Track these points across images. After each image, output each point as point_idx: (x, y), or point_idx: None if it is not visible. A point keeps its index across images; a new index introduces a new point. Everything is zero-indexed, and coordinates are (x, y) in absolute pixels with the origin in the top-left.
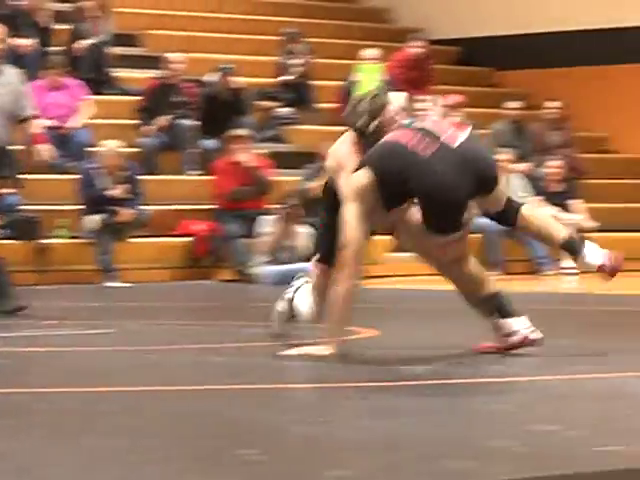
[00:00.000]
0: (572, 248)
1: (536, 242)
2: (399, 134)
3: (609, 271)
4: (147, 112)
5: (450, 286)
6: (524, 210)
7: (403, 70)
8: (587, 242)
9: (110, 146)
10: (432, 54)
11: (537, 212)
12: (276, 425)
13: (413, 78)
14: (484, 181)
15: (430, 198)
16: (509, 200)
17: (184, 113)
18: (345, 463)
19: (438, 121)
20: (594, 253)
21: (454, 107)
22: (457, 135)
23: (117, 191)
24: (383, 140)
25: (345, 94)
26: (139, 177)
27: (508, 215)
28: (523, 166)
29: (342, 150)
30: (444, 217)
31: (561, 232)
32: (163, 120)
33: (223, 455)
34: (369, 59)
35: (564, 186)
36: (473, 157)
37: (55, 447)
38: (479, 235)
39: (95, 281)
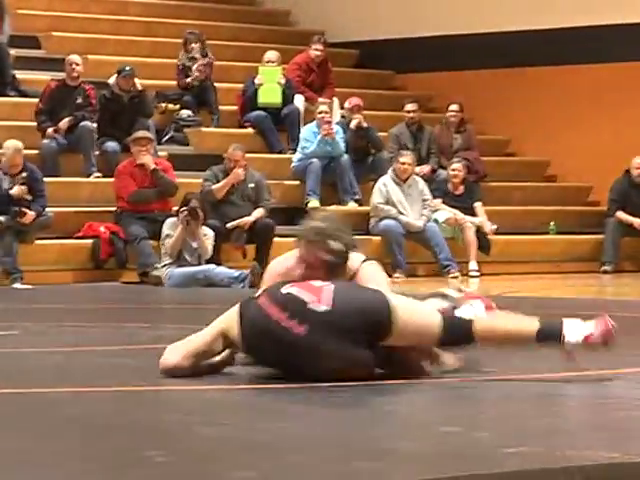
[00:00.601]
0: (549, 335)
1: (441, 244)
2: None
3: (601, 340)
4: (45, 114)
5: None
6: (478, 324)
7: (302, 73)
8: (565, 320)
9: (9, 145)
10: (332, 57)
11: (495, 318)
12: (181, 426)
13: (312, 81)
14: (376, 330)
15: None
16: (448, 323)
17: (85, 115)
18: (250, 464)
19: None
20: (575, 328)
21: (354, 110)
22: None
23: (15, 191)
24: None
25: (245, 97)
26: (42, 179)
27: (459, 336)
28: (423, 169)
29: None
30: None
31: (532, 325)
32: (65, 122)
33: (128, 456)
34: (269, 62)
35: (466, 189)
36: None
37: None
38: (380, 237)
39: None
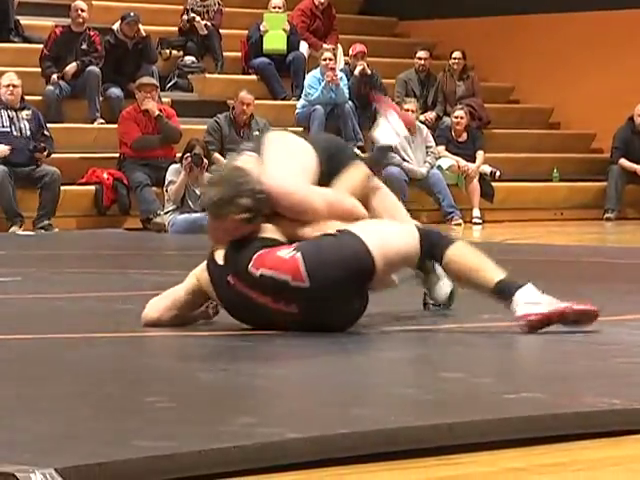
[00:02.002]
0: (504, 291)
1: (444, 191)
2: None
3: (529, 326)
4: (50, 60)
5: None
6: (454, 247)
7: (306, 19)
8: (526, 286)
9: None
10: (336, 4)
11: (471, 251)
12: (182, 373)
13: (316, 28)
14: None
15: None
16: (426, 241)
17: (92, 60)
18: (251, 410)
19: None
20: (528, 298)
21: (358, 57)
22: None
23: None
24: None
25: (250, 43)
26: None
27: (433, 254)
28: (428, 115)
29: None
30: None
31: (496, 273)
32: (72, 67)
33: (129, 402)
34: (275, 7)
35: (469, 136)
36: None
37: None
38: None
39: (1, 229)
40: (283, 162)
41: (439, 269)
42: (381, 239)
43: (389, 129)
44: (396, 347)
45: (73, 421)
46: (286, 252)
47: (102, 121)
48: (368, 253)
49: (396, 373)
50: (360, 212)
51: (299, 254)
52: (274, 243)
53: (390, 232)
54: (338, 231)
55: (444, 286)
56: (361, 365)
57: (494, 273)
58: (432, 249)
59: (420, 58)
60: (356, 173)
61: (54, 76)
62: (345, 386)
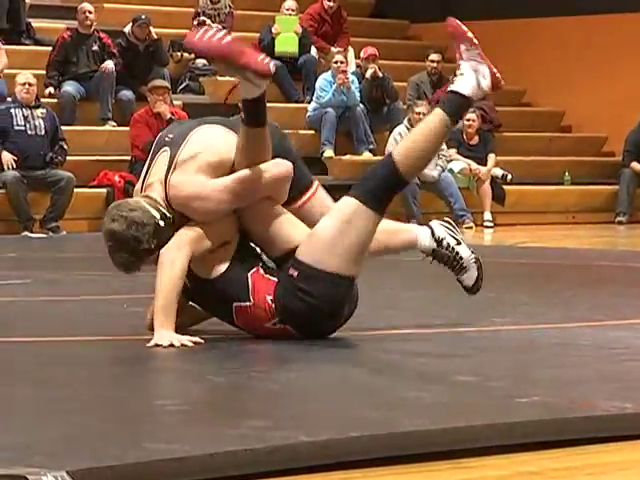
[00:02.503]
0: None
1: (455, 194)
2: None
3: None
4: (57, 68)
5: None
6: None
7: (314, 24)
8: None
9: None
10: (347, 6)
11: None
12: (194, 375)
13: (325, 32)
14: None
15: None
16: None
17: (104, 59)
18: (263, 413)
19: None
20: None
21: (369, 60)
22: None
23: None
24: None
25: (261, 46)
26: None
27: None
28: None
29: None
30: None
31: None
32: (83, 67)
33: (141, 405)
34: (289, 10)
35: (480, 139)
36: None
37: None
38: None
39: (14, 231)
40: (188, 165)
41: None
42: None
43: (473, 81)
44: (408, 350)
45: (84, 423)
46: (270, 323)
47: (114, 124)
48: (344, 279)
49: (408, 376)
50: (276, 171)
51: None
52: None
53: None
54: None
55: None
56: (373, 368)
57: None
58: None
59: (432, 61)
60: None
61: (65, 78)
62: (357, 389)
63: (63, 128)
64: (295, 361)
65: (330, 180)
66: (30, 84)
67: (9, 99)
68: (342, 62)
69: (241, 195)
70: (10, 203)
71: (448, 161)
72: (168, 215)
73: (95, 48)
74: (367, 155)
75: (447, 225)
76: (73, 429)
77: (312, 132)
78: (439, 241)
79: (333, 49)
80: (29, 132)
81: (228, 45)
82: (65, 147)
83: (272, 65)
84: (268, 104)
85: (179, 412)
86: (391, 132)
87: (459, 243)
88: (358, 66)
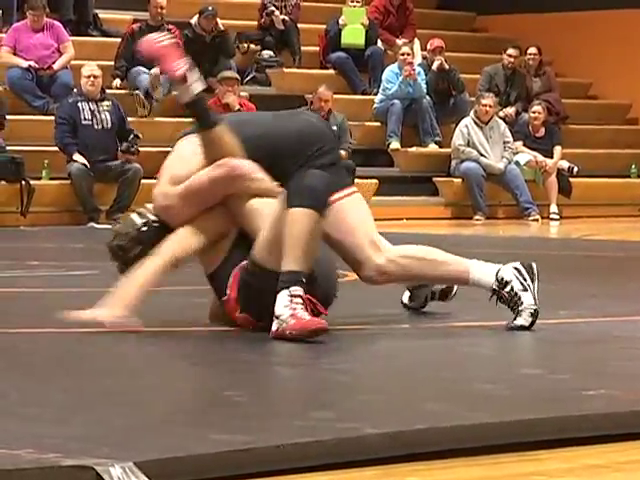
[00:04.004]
0: None
1: (521, 186)
2: None
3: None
4: (124, 60)
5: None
6: None
7: (379, 16)
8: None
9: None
10: None
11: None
12: (260, 367)
13: (390, 24)
14: None
15: None
16: None
17: None
18: (330, 405)
19: None
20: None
21: (436, 52)
22: None
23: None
24: None
25: (328, 38)
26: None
27: None
28: (507, 111)
29: None
30: None
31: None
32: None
33: (209, 396)
34: (354, 2)
35: (547, 131)
36: None
37: (37, 387)
38: (461, 180)
39: (81, 222)
40: (163, 176)
41: None
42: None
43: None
44: (474, 342)
45: (151, 415)
46: (238, 313)
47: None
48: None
49: (473, 369)
50: (216, 172)
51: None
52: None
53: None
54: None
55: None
56: (439, 360)
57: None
58: None
59: (510, 55)
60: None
61: (117, 80)
62: (423, 381)
63: (132, 120)
64: (362, 353)
65: (396, 172)
66: (95, 76)
67: (75, 90)
68: (408, 54)
69: (193, 200)
70: (75, 194)
71: (514, 153)
72: (153, 220)
73: None
74: (433, 147)
75: (521, 269)
76: (140, 420)
77: (378, 124)
78: (502, 283)
79: (399, 41)
80: (96, 126)
81: (158, 49)
82: (140, 136)
83: (182, 71)
84: (335, 95)
85: (245, 403)
86: (457, 124)
87: (525, 290)
88: (424, 58)
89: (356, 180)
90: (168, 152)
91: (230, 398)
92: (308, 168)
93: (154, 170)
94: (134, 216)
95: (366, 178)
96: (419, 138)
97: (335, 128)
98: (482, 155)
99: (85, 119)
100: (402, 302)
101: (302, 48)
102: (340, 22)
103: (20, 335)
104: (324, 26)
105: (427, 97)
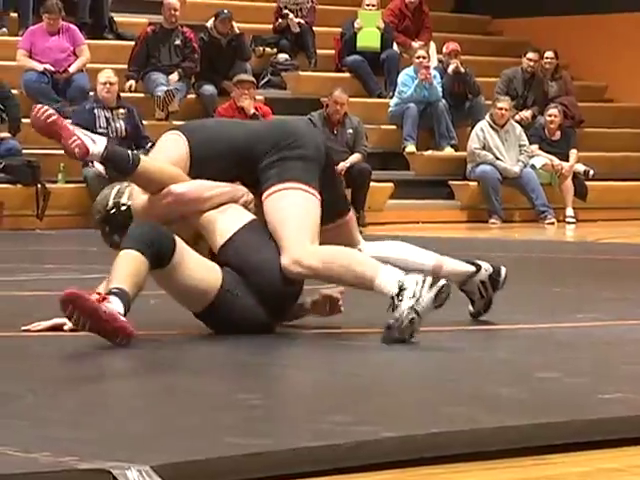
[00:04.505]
0: None
1: (537, 190)
2: None
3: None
4: (137, 64)
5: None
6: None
7: (395, 19)
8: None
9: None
10: (429, 1)
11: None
12: (275, 370)
13: (406, 27)
14: None
15: None
16: None
17: (189, 68)
18: (345, 408)
19: None
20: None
21: (451, 55)
22: None
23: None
24: None
25: (343, 41)
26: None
27: None
28: (523, 114)
29: None
30: None
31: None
32: (173, 78)
33: (223, 399)
34: (369, 5)
35: (562, 134)
36: None
37: (53, 390)
38: (477, 183)
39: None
40: None
41: None
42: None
43: None
44: (489, 346)
45: (166, 418)
46: None
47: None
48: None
49: (489, 372)
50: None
51: None
52: None
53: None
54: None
55: None
56: (454, 364)
57: None
58: None
59: (530, 59)
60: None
61: (132, 82)
62: (439, 385)
63: (148, 123)
64: (376, 357)
65: (412, 175)
66: (111, 83)
67: (91, 93)
68: (424, 57)
69: (152, 217)
70: (91, 198)
71: (530, 157)
72: (123, 203)
73: (177, 43)
74: (449, 150)
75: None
76: (156, 424)
77: (394, 127)
78: (401, 289)
79: (414, 44)
80: (110, 135)
81: (50, 125)
82: (147, 135)
83: (79, 142)
84: (351, 99)
85: (261, 407)
86: (473, 127)
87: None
88: (440, 61)
89: (372, 184)
90: None
91: (245, 402)
92: (278, 159)
93: None
94: (111, 193)
95: (382, 182)
96: (435, 141)
97: (351, 131)
98: (498, 158)
99: (100, 127)
100: (470, 313)
101: (318, 51)
102: (356, 25)
103: (35, 338)
104: (340, 29)
105: (443, 100)
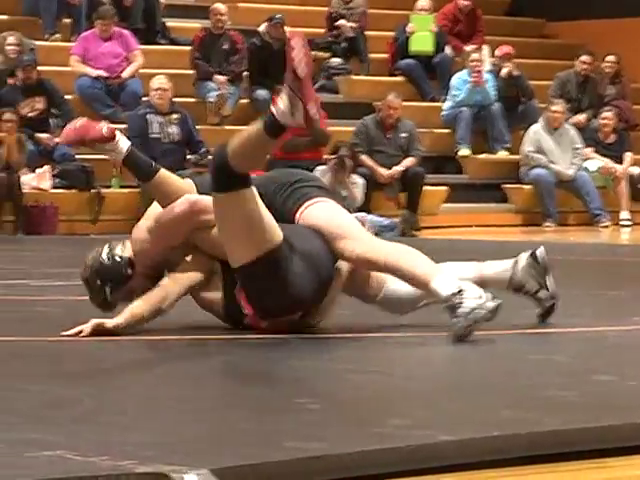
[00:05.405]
0: None
1: (592, 193)
2: None
3: None
4: (202, 61)
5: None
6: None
7: (448, 23)
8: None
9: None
10: (483, 5)
11: None
12: (332, 374)
13: (459, 31)
14: None
15: None
16: None
17: (234, 72)
18: (403, 412)
19: None
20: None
21: (505, 58)
22: None
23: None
24: None
25: (396, 45)
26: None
27: None
28: (578, 117)
29: None
30: None
31: None
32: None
33: (280, 404)
34: (422, 9)
35: (617, 137)
36: None
37: (111, 394)
38: (531, 186)
39: None
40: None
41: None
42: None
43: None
44: (546, 349)
45: (224, 422)
46: (263, 323)
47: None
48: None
49: (546, 375)
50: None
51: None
52: None
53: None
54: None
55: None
56: (511, 367)
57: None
58: None
59: (583, 62)
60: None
61: (221, 77)
62: (497, 388)
63: (202, 127)
64: (433, 361)
65: (465, 179)
66: (164, 89)
67: (144, 99)
68: (478, 61)
69: (159, 234)
70: (144, 203)
71: (584, 160)
72: (119, 255)
73: (225, 47)
74: (503, 154)
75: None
76: (213, 427)
77: (447, 131)
78: (460, 292)
79: (467, 48)
80: (163, 140)
81: (74, 130)
82: (210, 150)
83: (107, 129)
84: (404, 103)
85: (319, 411)
86: (526, 131)
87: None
88: (493, 64)
89: (425, 187)
90: None
91: (303, 405)
92: (295, 189)
93: None
94: (104, 248)
95: (435, 185)
96: (488, 145)
97: (404, 135)
98: (552, 162)
99: (153, 132)
100: (538, 316)
101: (370, 55)
102: (408, 29)
103: (93, 343)
104: (392, 33)
105: (496, 104)
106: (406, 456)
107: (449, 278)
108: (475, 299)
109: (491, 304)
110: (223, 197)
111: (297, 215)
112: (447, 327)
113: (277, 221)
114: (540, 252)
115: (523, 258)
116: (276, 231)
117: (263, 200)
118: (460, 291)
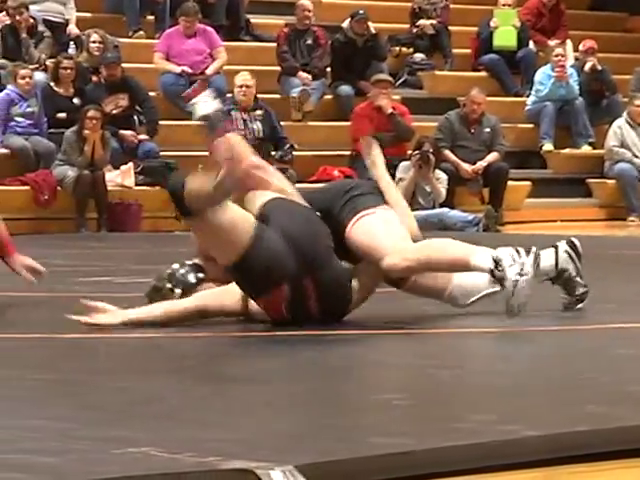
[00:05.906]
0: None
1: None
2: None
3: None
4: (287, 54)
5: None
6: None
7: (532, 18)
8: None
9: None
10: (564, 0)
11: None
12: (415, 370)
13: (543, 25)
14: None
15: None
16: None
17: (317, 69)
18: (488, 407)
19: None
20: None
21: (588, 53)
22: None
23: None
24: None
25: (480, 40)
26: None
27: None
28: None
29: None
30: None
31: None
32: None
33: (365, 399)
34: (505, 5)
35: None
36: None
37: (195, 390)
38: (615, 181)
39: None
40: None
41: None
42: None
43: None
44: (625, 344)
45: (308, 418)
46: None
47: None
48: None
49: (630, 370)
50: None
51: None
52: None
53: None
54: None
55: None
56: (594, 363)
57: None
58: None
59: None
60: None
61: (304, 74)
62: (581, 383)
63: (285, 124)
64: (513, 356)
65: (549, 174)
66: (247, 86)
67: (228, 95)
68: (563, 55)
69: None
70: None
71: None
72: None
73: (309, 42)
74: (586, 148)
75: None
76: (298, 424)
77: (531, 126)
78: (497, 262)
79: (551, 42)
80: (248, 137)
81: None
82: (295, 146)
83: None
84: (488, 98)
85: (404, 406)
86: (610, 125)
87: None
88: (577, 59)
89: (509, 182)
90: (322, 156)
91: (388, 401)
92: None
93: (308, 174)
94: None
95: (519, 180)
96: (572, 139)
97: (488, 130)
98: (636, 156)
99: (238, 128)
100: (566, 305)
101: (454, 51)
102: (492, 24)
103: (181, 339)
104: (476, 28)
105: (580, 98)
106: (492, 451)
107: (483, 253)
108: (513, 267)
109: (528, 260)
110: (189, 220)
111: (348, 227)
112: (520, 323)
113: (332, 228)
114: (576, 240)
115: (563, 244)
116: (245, 232)
117: (321, 208)
118: (497, 263)
